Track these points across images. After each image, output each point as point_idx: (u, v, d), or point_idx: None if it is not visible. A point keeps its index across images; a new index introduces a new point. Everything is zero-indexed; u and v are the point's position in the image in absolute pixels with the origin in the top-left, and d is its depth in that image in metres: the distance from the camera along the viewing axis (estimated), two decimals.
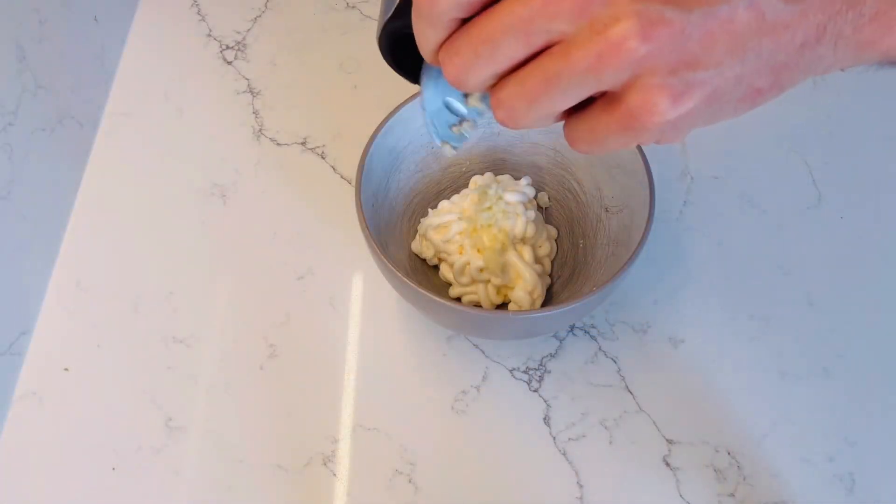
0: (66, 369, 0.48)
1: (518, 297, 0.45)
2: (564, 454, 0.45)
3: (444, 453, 0.45)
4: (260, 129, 0.58)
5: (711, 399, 0.46)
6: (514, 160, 0.52)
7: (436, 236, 0.47)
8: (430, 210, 0.49)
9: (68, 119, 0.53)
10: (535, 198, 0.51)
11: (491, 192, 0.47)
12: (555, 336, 0.49)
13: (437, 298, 0.40)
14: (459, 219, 0.47)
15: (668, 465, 0.45)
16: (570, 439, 0.45)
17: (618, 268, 0.41)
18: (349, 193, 0.54)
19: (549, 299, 0.48)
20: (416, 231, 0.49)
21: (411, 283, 0.40)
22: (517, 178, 0.50)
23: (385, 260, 0.41)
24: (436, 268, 0.49)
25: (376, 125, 0.45)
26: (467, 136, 0.30)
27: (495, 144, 0.51)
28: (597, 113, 0.25)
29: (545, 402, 0.47)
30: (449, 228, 0.47)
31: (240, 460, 0.45)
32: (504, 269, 0.45)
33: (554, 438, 0.45)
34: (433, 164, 0.51)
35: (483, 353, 0.48)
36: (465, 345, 0.49)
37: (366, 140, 0.45)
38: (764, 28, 0.23)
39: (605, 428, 0.46)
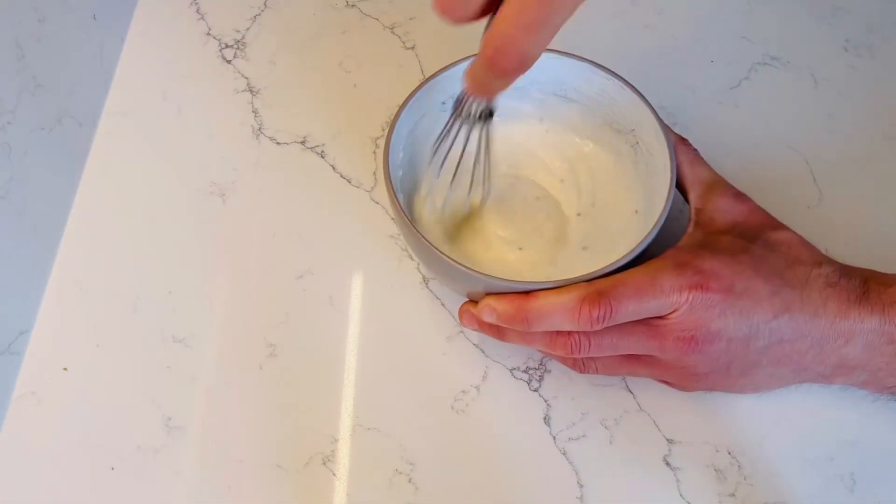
0: (65, 369, 0.48)
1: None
2: (564, 454, 0.45)
3: (444, 453, 0.45)
4: (259, 129, 0.58)
5: (711, 399, 0.46)
6: None
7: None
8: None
9: (67, 118, 0.53)
10: None
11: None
12: None
13: (464, 267, 0.39)
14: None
15: (668, 464, 0.45)
16: (570, 439, 0.45)
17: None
18: (349, 192, 0.54)
19: None
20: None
21: (432, 246, 0.40)
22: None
23: (407, 219, 0.41)
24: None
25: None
26: None
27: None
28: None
29: (545, 401, 0.47)
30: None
31: (239, 460, 0.45)
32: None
33: (554, 438, 0.45)
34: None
35: (483, 352, 0.48)
36: (465, 344, 0.49)
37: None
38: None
39: (606, 428, 0.46)
